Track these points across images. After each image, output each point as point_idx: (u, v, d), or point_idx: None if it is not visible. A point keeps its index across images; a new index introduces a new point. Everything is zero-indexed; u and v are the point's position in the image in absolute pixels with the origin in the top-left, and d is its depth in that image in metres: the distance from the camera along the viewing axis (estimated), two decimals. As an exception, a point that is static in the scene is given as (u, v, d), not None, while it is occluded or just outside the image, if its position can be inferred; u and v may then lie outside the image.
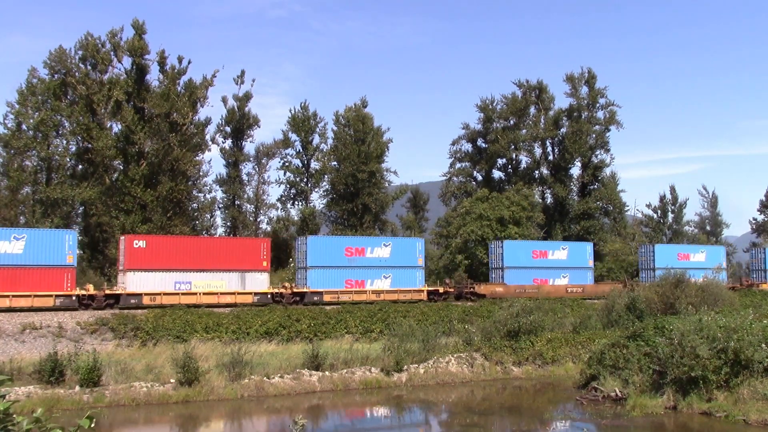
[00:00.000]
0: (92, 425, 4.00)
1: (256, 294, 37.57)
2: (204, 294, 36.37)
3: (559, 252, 49.31)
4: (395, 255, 42.55)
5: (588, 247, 50.91)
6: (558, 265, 48.59)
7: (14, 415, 4.02)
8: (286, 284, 39.84)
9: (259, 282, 38.17)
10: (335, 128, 58.99)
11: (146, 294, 35.08)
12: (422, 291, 42.46)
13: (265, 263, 38.63)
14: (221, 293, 36.82)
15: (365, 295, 40.43)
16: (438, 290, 43.46)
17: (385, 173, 58.47)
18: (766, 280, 55.93)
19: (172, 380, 23.18)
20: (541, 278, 47.53)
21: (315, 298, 38.96)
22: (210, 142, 55.92)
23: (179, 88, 50.19)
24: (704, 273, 48.99)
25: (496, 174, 68.03)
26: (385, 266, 41.91)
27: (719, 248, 59.40)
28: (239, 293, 37.17)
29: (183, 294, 35.87)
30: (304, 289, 39.15)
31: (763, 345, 20.14)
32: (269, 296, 37.80)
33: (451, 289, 44.26)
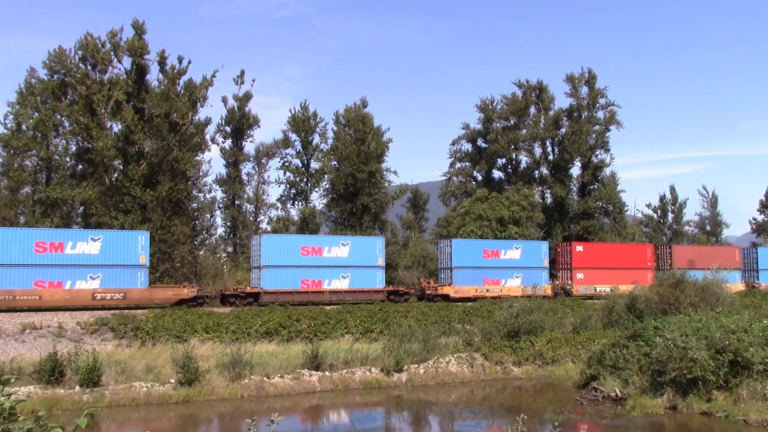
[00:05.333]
0: (89, 423, 4.02)
1: None
2: None
3: (85, 244, 33.83)
4: None
5: (141, 237, 35.65)
6: (85, 262, 33.76)
7: (18, 415, 4.06)
8: None
9: None
10: (335, 128, 59.03)
11: None
12: None
13: None
14: None
15: None
16: None
17: (385, 173, 58.45)
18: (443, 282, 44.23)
19: (172, 380, 23.17)
20: (53, 280, 33.06)
21: None
22: (210, 142, 55.92)
23: (179, 88, 50.15)
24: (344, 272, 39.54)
25: (496, 174, 68.13)
26: None
27: (373, 239, 43.27)
28: None
29: None
30: None
31: (755, 348, 20.12)
32: None
33: None
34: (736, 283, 50.72)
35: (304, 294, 38.54)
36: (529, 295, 43.10)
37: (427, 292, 42.73)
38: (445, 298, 42.40)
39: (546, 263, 46.65)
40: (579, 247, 49.16)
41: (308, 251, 39.14)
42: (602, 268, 48.38)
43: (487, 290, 44.12)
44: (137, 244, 34.95)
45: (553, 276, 49.62)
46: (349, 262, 39.91)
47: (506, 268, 45.12)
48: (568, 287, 47.26)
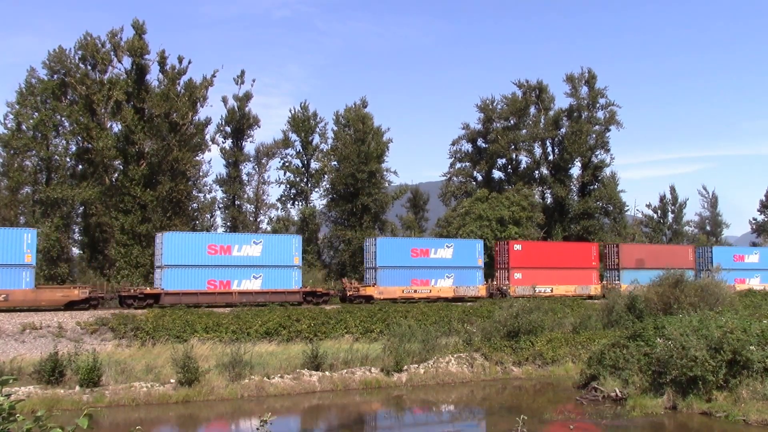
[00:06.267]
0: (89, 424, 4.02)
1: None
2: None
3: None
4: None
5: (27, 234, 33.38)
6: None
7: (17, 415, 4.07)
8: None
9: None
10: (335, 128, 59.08)
11: None
12: None
13: None
14: None
15: None
16: None
17: (385, 173, 58.51)
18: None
19: (172, 380, 23.16)
20: None
21: None
22: (210, 142, 56.00)
23: (179, 88, 50.17)
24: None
25: (496, 174, 68.23)
26: None
27: (288, 237, 41.53)
28: None
29: None
30: None
31: (752, 347, 20.12)
32: None
33: None
34: None
35: (210, 295, 36.46)
36: (462, 297, 42.40)
37: (349, 293, 40.79)
38: (368, 299, 40.36)
39: (480, 263, 44.73)
40: (517, 246, 46.96)
41: (216, 250, 37.03)
42: (542, 267, 46.20)
43: (415, 291, 42.18)
44: (22, 242, 32.73)
45: (490, 276, 47.95)
46: (262, 261, 37.68)
47: (436, 267, 42.97)
48: (505, 288, 45.05)
